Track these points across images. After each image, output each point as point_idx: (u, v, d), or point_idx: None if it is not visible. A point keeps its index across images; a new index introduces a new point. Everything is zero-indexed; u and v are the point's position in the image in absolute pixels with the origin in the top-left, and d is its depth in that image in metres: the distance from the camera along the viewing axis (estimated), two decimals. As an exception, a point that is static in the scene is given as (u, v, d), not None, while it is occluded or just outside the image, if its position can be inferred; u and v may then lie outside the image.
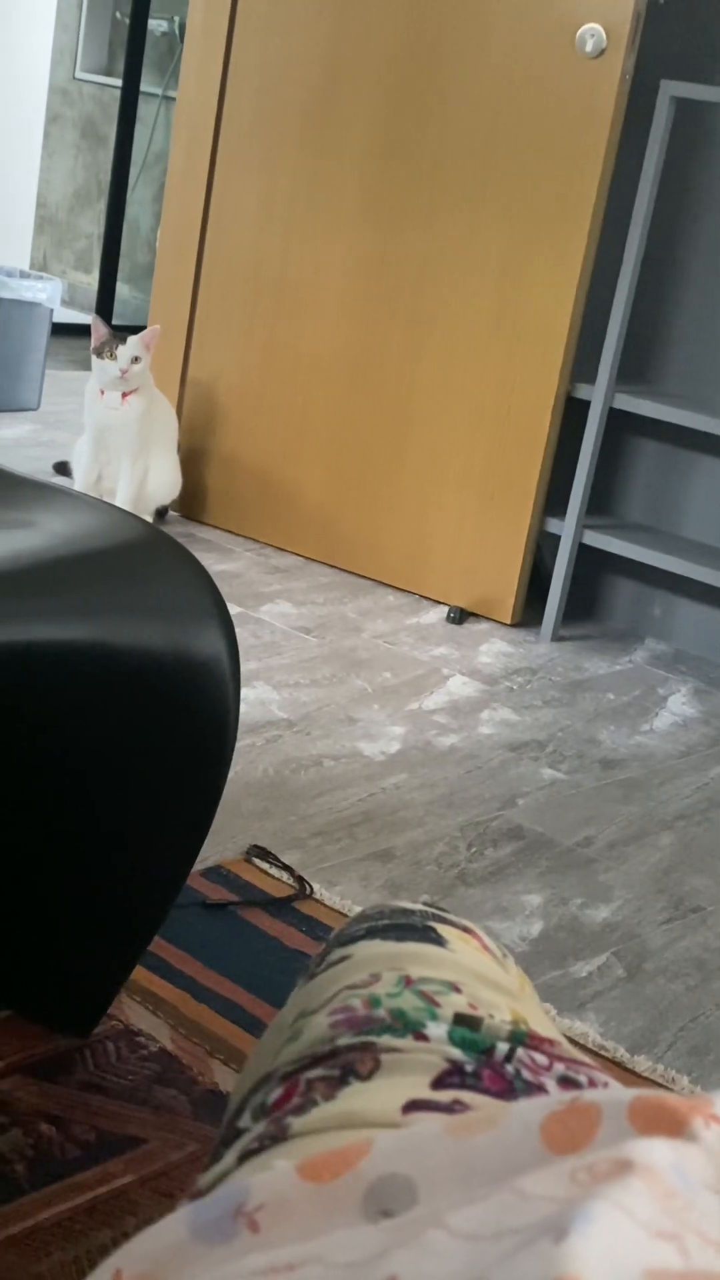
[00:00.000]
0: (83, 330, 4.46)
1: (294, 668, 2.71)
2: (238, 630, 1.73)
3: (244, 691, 2.54)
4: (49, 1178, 1.31)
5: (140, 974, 1.63)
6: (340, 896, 1.89)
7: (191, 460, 3.52)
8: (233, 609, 2.96)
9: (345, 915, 1.84)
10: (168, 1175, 1.34)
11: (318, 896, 1.88)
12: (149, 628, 1.31)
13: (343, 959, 0.86)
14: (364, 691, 2.64)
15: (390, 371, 3.23)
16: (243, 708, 2.47)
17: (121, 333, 3.24)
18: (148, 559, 1.38)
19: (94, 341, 3.23)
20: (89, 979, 1.51)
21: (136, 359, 3.21)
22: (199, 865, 1.88)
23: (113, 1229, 1.27)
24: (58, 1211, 1.28)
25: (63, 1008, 1.52)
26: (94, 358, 3.24)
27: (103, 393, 3.27)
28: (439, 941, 0.86)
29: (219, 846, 1.97)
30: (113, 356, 3.20)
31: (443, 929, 0.89)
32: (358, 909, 1.85)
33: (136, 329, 3.32)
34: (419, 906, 0.93)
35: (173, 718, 1.34)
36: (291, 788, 2.21)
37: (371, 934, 0.88)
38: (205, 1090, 1.47)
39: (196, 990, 1.63)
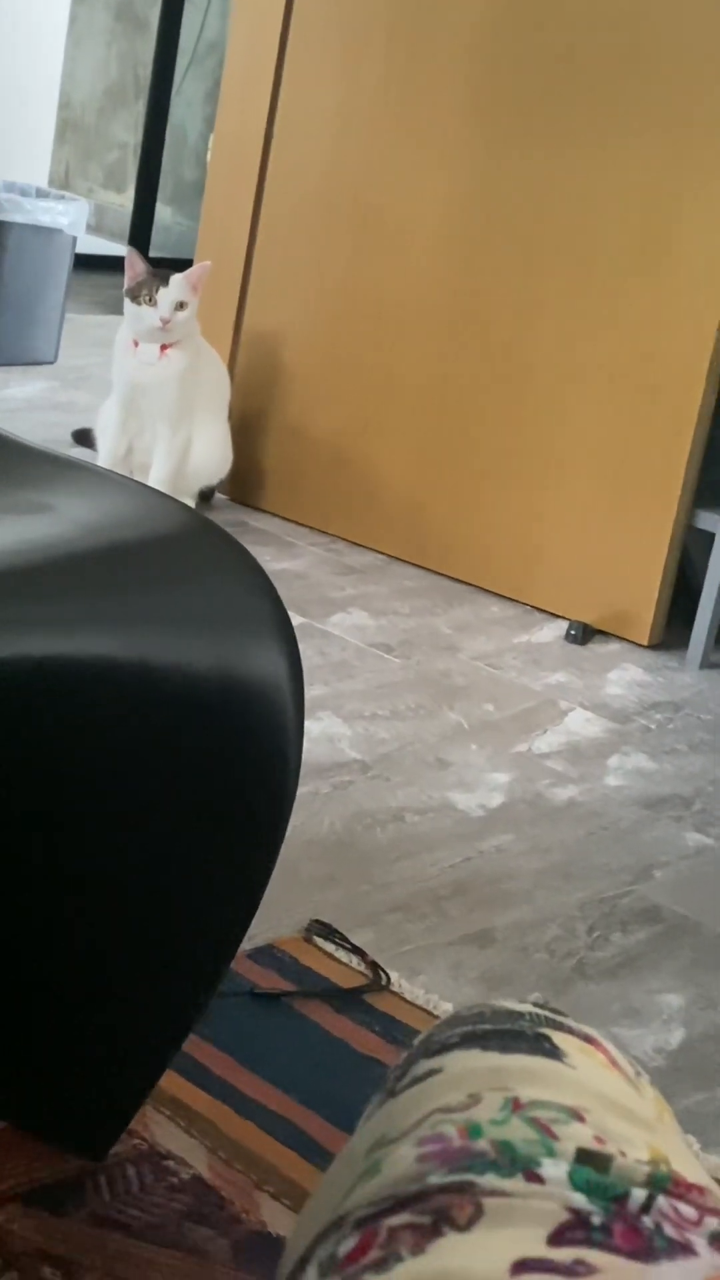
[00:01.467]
0: (113, 264, 4.49)
1: (371, 695, 2.71)
2: (301, 646, 1.74)
3: (307, 724, 2.55)
4: (51, 1337, 1.32)
5: (170, 1081, 1.64)
6: (425, 990, 1.89)
7: (245, 431, 3.53)
8: (295, 619, 2.97)
9: (433, 1015, 1.84)
10: (200, 1339, 1.34)
11: (396, 988, 1.88)
12: (188, 642, 1.31)
13: (431, 1073, 0.86)
14: (459, 727, 2.64)
15: (500, 324, 3.22)
16: (305, 745, 2.47)
17: (163, 269, 3.26)
18: (189, 554, 1.38)
19: (128, 280, 3.26)
20: (106, 1086, 1.51)
21: (181, 304, 3.23)
22: (246, 944, 1.88)
23: None
24: None
25: (73, 1122, 1.53)
26: (127, 300, 3.26)
27: (137, 344, 3.29)
28: (554, 1054, 0.86)
29: (272, 921, 1.97)
30: (151, 301, 3.22)
31: (559, 1038, 0.88)
32: (448, 1007, 1.85)
33: (181, 265, 3.34)
34: (528, 1008, 0.92)
35: (218, 757, 1.34)
36: (365, 848, 2.20)
37: (468, 1041, 0.88)
38: (250, 1231, 1.47)
39: (241, 1103, 1.63)
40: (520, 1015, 0.91)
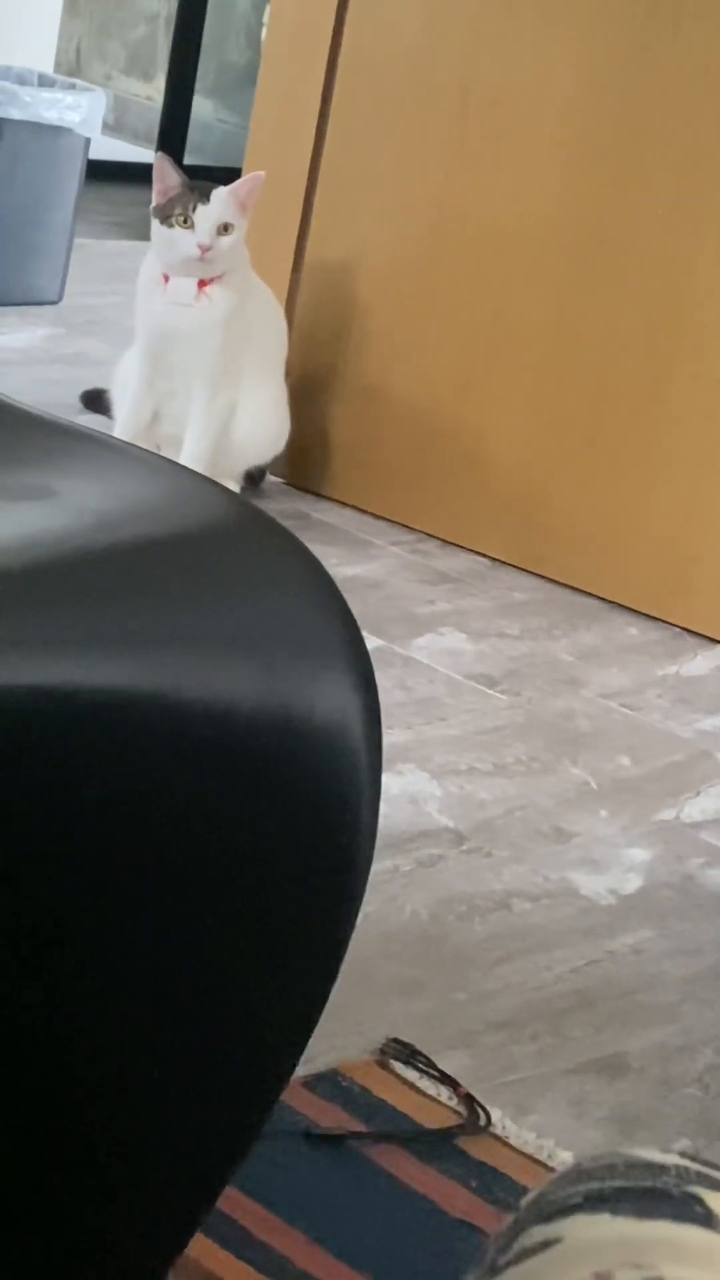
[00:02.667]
0: (137, 175, 4.52)
1: (468, 743, 2.70)
2: (378, 677, 1.74)
3: (385, 780, 2.55)
4: None
5: (200, 1247, 1.64)
6: (537, 1133, 1.89)
7: (307, 395, 3.54)
8: (370, 641, 2.97)
9: (547, 1166, 1.83)
10: None
11: (498, 1130, 1.88)
12: (230, 671, 1.31)
13: (547, 1244, 0.86)
14: (584, 787, 2.63)
15: (646, 259, 3.22)
16: (383, 807, 2.47)
17: (202, 182, 3.27)
18: (231, 555, 1.39)
19: (157, 195, 3.27)
20: (117, 1255, 1.51)
21: (226, 227, 3.24)
22: (303, 1069, 1.88)
23: None
24: None
25: (71, 1297, 1.53)
26: (156, 221, 3.28)
27: (167, 279, 3.30)
28: (709, 1221, 0.86)
29: (337, 1039, 1.98)
30: (187, 222, 3.23)
31: (715, 1199, 0.88)
32: (567, 1157, 1.84)
33: (226, 175, 3.35)
34: (673, 1159, 0.92)
35: (267, 822, 1.34)
36: (459, 945, 2.20)
37: (595, 1203, 0.88)
38: None
39: (292, 1279, 1.63)
40: (663, 1169, 0.90)
